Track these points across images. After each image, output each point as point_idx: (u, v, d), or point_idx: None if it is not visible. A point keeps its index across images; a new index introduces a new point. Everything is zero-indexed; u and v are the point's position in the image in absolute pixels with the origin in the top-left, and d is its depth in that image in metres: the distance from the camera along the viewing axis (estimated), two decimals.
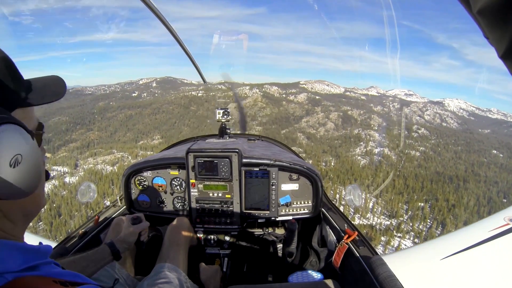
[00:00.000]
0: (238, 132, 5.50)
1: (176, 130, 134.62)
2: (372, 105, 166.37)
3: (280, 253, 3.47)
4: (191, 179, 3.01)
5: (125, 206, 3.24)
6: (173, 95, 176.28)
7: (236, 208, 3.06)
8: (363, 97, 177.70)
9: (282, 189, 3.09)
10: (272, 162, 2.97)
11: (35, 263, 0.73)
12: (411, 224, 68.38)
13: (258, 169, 3.01)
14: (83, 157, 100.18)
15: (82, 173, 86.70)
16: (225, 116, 3.66)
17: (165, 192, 3.19)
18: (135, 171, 3.14)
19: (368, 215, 70.99)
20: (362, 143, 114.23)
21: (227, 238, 3.14)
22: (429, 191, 79.27)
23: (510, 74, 0.48)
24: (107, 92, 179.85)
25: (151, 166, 3.13)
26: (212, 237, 3.15)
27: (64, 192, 73.28)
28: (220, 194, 3.05)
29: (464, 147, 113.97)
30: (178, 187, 3.18)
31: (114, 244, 1.98)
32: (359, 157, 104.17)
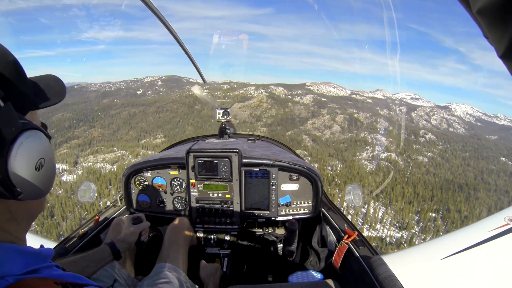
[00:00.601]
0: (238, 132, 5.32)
1: (180, 129, 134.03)
2: (378, 108, 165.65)
3: (280, 253, 3.43)
4: (191, 179, 3.01)
5: (125, 206, 3.25)
6: (178, 94, 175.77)
7: (236, 208, 3.06)
8: (369, 100, 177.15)
9: (282, 189, 3.08)
10: (272, 162, 2.97)
11: (37, 267, 0.74)
12: (423, 237, 66.66)
13: (258, 169, 3.01)
14: (84, 155, 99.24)
15: (81, 171, 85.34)
16: (225, 116, 3.67)
17: (165, 192, 3.18)
18: (135, 171, 3.13)
19: (378, 226, 68.84)
20: (369, 147, 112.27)
21: (227, 238, 3.12)
22: (439, 200, 77.58)
23: (510, 74, 0.48)
24: (112, 89, 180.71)
25: (151, 166, 3.13)
26: (212, 237, 3.14)
27: (60, 192, 71.68)
28: (220, 194, 3.05)
29: (472, 154, 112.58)
30: (178, 187, 3.18)
31: (114, 244, 2.01)
32: (366, 162, 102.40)
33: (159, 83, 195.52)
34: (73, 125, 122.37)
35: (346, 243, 2.44)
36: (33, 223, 0.88)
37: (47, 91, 0.87)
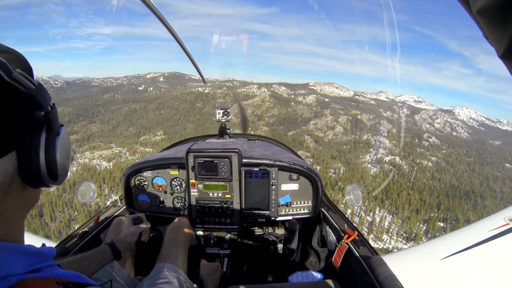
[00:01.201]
0: (238, 131, 5.36)
1: (180, 126, 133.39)
2: (381, 110, 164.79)
3: (280, 253, 3.44)
4: (191, 179, 3.02)
5: (125, 206, 3.26)
6: (180, 91, 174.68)
7: (236, 208, 3.06)
8: (372, 102, 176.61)
9: (282, 189, 3.09)
10: (272, 162, 2.98)
11: (39, 266, 0.74)
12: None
13: (258, 169, 3.02)
14: (81, 151, 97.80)
15: (75, 168, 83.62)
16: (225, 116, 3.68)
17: (165, 192, 3.20)
18: (135, 171, 3.14)
19: (384, 236, 66.88)
20: (372, 149, 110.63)
21: (227, 238, 3.13)
22: (447, 208, 76.02)
23: (510, 74, 0.48)
24: (114, 84, 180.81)
25: (151, 166, 3.14)
26: (212, 237, 3.15)
27: (52, 189, 69.91)
28: (220, 194, 3.06)
29: (476, 159, 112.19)
30: (178, 187, 3.19)
31: (114, 244, 2.02)
32: (370, 165, 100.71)
33: (161, 79, 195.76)
34: (72, 120, 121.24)
35: (346, 243, 2.45)
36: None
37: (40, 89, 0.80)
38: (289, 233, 2.97)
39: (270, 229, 3.57)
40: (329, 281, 2.31)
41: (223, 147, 3.04)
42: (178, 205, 3.23)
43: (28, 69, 0.72)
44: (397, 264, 2.44)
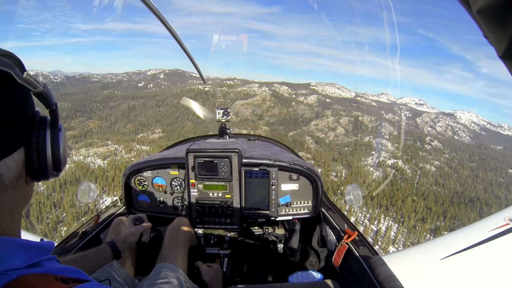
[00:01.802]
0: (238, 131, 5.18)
1: (179, 124, 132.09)
2: (383, 112, 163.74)
3: (280, 253, 3.46)
4: (191, 179, 3.03)
5: (125, 206, 3.27)
6: (180, 88, 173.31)
7: (236, 208, 3.07)
8: (374, 103, 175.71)
9: (282, 189, 3.10)
10: (272, 162, 2.99)
11: (38, 260, 0.75)
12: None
13: (258, 169, 3.02)
14: (77, 147, 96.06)
15: (68, 165, 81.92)
16: (225, 116, 3.70)
17: (165, 192, 3.21)
18: (135, 171, 3.16)
19: (391, 248, 64.79)
20: (374, 152, 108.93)
21: (227, 238, 3.17)
22: (453, 216, 74.30)
23: (510, 74, 0.47)
24: (114, 80, 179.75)
25: (151, 166, 3.15)
26: (212, 237, 3.18)
27: (42, 188, 67.83)
28: (220, 194, 3.07)
29: (479, 164, 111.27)
30: (178, 187, 3.20)
31: (115, 243, 2.03)
32: (372, 168, 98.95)
33: (162, 76, 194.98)
34: (70, 115, 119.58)
35: (346, 243, 2.45)
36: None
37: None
38: (290, 233, 2.96)
39: (270, 229, 3.56)
40: (329, 281, 2.34)
41: (223, 147, 3.03)
42: (178, 205, 3.22)
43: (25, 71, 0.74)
44: (397, 264, 2.45)
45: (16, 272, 0.67)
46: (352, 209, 69.89)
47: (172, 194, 3.19)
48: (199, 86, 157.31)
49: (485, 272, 2.79)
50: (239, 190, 3.02)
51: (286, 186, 3.09)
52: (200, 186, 3.03)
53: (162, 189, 3.20)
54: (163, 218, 3.27)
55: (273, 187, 3.01)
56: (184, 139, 4.68)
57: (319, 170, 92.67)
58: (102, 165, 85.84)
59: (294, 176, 3.07)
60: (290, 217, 3.07)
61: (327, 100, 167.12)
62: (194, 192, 3.05)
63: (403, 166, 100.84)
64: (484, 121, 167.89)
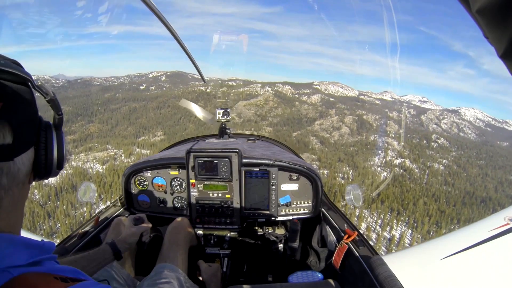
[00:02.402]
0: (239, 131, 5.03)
1: (180, 126, 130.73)
2: (387, 110, 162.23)
3: (280, 253, 3.47)
4: (191, 179, 3.05)
5: (125, 206, 3.28)
6: (181, 90, 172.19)
7: (236, 208, 3.09)
8: (377, 102, 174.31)
9: (282, 189, 3.11)
10: (272, 162, 3.00)
11: (39, 259, 0.76)
12: None
13: (258, 169, 3.04)
14: (76, 152, 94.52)
15: (66, 171, 79.86)
16: (225, 116, 3.72)
17: (165, 192, 3.22)
18: (135, 171, 3.17)
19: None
20: (380, 151, 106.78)
21: (227, 238, 3.16)
22: (467, 219, 72.10)
23: (510, 74, 0.48)
24: (115, 83, 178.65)
25: (151, 166, 3.17)
26: (212, 237, 3.17)
27: (37, 197, 65.80)
28: (220, 194, 3.08)
29: (488, 162, 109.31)
30: (178, 187, 3.21)
31: (115, 244, 2.03)
32: (379, 169, 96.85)
33: (163, 78, 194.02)
34: (71, 119, 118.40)
35: (346, 243, 2.47)
36: None
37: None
38: (291, 233, 2.96)
39: (270, 229, 3.55)
40: (329, 281, 2.35)
41: (223, 147, 3.05)
42: (178, 205, 3.24)
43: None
44: (397, 264, 2.42)
45: (18, 269, 0.68)
46: (363, 215, 67.85)
47: (172, 194, 3.18)
48: (201, 88, 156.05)
49: (485, 272, 2.78)
50: (239, 190, 3.03)
51: (286, 186, 3.09)
52: (200, 186, 3.05)
53: (162, 189, 3.19)
54: (163, 218, 3.26)
55: (273, 187, 3.01)
56: (184, 139, 4.68)
57: (325, 172, 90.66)
58: (101, 170, 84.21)
59: (294, 176, 3.07)
60: (290, 217, 3.08)
61: (331, 99, 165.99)
62: (194, 192, 3.07)
63: (410, 165, 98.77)
64: (489, 117, 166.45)
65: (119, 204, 3.38)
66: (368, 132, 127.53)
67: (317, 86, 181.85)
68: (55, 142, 0.86)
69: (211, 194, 3.07)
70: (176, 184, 3.18)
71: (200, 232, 3.14)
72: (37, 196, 65.48)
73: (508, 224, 3.14)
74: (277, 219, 3.12)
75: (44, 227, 61.19)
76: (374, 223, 68.26)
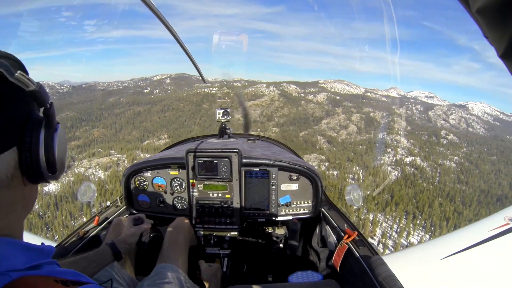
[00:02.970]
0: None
1: (185, 129, 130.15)
2: (394, 107, 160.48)
3: (280, 253, 3.48)
4: (191, 179, 3.06)
5: (125, 206, 3.29)
6: (186, 92, 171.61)
7: (236, 208, 3.09)
8: (384, 99, 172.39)
9: (282, 189, 3.11)
10: (272, 162, 3.00)
11: (38, 263, 0.75)
12: None
13: (258, 169, 3.04)
14: (80, 158, 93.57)
15: (67, 178, 78.58)
16: (225, 116, 3.72)
17: (165, 192, 3.23)
18: (135, 171, 3.18)
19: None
20: (390, 149, 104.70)
21: (227, 238, 3.16)
22: None
23: (510, 74, 0.48)
24: (120, 88, 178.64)
25: (151, 166, 3.17)
26: (212, 237, 3.17)
27: (36, 207, 64.33)
28: (220, 194, 3.09)
29: (499, 157, 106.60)
30: (178, 187, 3.22)
31: (115, 244, 2.03)
32: (389, 168, 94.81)
33: (168, 81, 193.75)
34: (75, 124, 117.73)
35: (346, 243, 2.47)
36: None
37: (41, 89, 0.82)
38: (291, 233, 2.99)
39: (270, 229, 3.56)
40: (329, 281, 2.37)
41: (223, 147, 3.05)
42: (178, 205, 3.24)
43: (26, 73, 0.75)
44: (397, 264, 2.45)
45: (17, 273, 0.67)
46: (377, 219, 65.79)
47: (172, 194, 3.19)
48: (206, 89, 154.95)
49: (485, 272, 2.77)
50: (239, 190, 3.03)
51: (286, 186, 3.09)
52: (200, 186, 3.05)
53: (162, 189, 3.20)
54: (163, 218, 3.29)
55: (273, 187, 3.01)
56: (184, 139, 4.69)
57: (335, 173, 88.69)
58: (103, 177, 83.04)
59: (294, 176, 3.07)
60: (290, 217, 3.08)
61: (337, 97, 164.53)
62: (194, 192, 3.07)
63: (421, 164, 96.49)
64: (497, 111, 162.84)
65: (119, 204, 3.38)
66: (376, 130, 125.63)
67: (323, 85, 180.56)
68: (41, 142, 0.78)
69: (211, 194, 3.07)
70: (176, 184, 3.17)
71: (200, 232, 3.13)
72: (36, 206, 64.20)
73: (508, 224, 3.12)
74: (277, 219, 3.11)
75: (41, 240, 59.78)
76: (389, 229, 66.13)
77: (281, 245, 3.44)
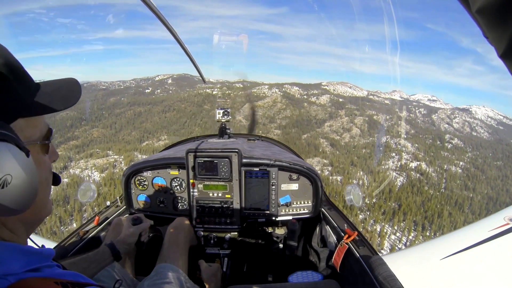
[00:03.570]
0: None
1: (186, 130, 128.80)
2: (397, 110, 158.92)
3: (280, 253, 3.48)
4: (191, 179, 3.05)
5: (125, 206, 3.29)
6: (187, 93, 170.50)
7: (236, 208, 3.09)
8: (387, 101, 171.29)
9: (282, 189, 3.12)
10: (272, 162, 3.00)
11: (38, 266, 0.74)
12: None
13: (258, 169, 3.04)
14: (77, 159, 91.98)
15: (62, 179, 77.08)
16: (225, 116, 3.73)
17: (165, 192, 3.23)
18: (135, 171, 3.18)
19: None
20: (394, 154, 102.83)
21: (227, 238, 3.16)
22: None
23: (510, 74, 0.48)
24: (121, 87, 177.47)
25: (151, 166, 3.17)
26: (212, 237, 3.18)
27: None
28: (220, 194, 3.09)
29: (506, 162, 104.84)
30: (178, 187, 3.22)
31: (114, 245, 2.04)
32: (394, 173, 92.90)
33: (169, 81, 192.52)
34: (75, 124, 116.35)
35: (346, 243, 2.48)
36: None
37: (51, 95, 0.82)
38: (289, 233, 2.99)
39: (270, 229, 3.56)
40: (329, 281, 2.39)
41: (223, 147, 3.05)
42: (178, 205, 3.24)
43: (26, 74, 0.74)
44: (397, 264, 2.41)
45: (15, 276, 0.66)
46: (385, 231, 63.80)
47: (172, 194, 3.20)
48: (207, 90, 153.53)
49: (485, 272, 2.77)
50: (239, 190, 3.03)
51: (286, 186, 3.09)
52: (200, 186, 3.05)
53: (162, 189, 3.20)
54: (163, 218, 3.28)
55: (273, 187, 3.02)
56: (184, 139, 4.70)
57: (339, 178, 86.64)
58: (97, 178, 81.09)
59: (294, 176, 3.07)
60: (290, 217, 3.08)
61: (340, 99, 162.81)
62: (194, 192, 3.07)
63: (427, 169, 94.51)
64: (500, 115, 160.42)
65: (119, 204, 3.39)
66: (379, 133, 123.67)
67: (326, 87, 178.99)
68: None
69: (211, 194, 3.06)
70: (176, 184, 3.18)
71: (200, 232, 3.13)
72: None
73: (508, 224, 3.13)
74: (277, 219, 3.11)
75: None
76: (398, 242, 64.08)
77: (281, 245, 3.42)
